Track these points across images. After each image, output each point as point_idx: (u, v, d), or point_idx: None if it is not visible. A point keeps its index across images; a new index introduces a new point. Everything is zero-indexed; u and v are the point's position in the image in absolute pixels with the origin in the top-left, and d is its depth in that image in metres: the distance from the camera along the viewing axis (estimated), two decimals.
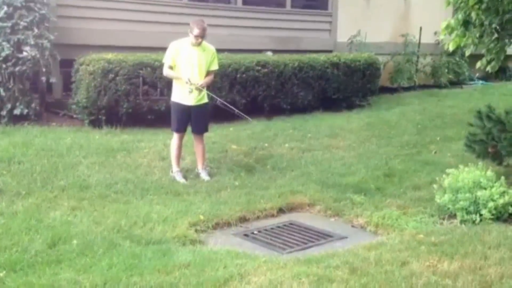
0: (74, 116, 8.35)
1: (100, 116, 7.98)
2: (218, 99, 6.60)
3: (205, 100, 6.48)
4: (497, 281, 3.91)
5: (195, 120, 6.46)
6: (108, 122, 7.97)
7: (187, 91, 6.28)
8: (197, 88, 6.27)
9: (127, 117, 8.11)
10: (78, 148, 6.86)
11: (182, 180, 6.26)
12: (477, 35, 5.91)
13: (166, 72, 6.47)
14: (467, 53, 6.10)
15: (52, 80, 8.32)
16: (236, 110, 6.62)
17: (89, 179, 6.03)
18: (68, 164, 6.35)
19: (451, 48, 6.01)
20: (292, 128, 8.65)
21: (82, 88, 7.95)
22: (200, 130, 6.54)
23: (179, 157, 6.48)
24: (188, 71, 6.28)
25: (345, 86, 10.32)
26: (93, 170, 6.27)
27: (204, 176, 6.43)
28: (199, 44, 6.29)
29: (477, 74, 14.08)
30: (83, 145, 7.00)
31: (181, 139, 6.48)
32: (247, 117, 6.65)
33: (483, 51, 6.22)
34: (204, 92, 6.42)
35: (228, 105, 6.55)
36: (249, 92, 9.08)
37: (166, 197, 5.76)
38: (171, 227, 4.94)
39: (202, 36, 6.24)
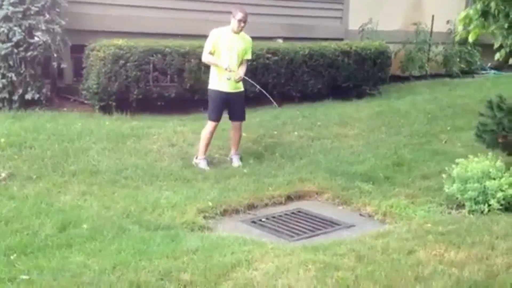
0: (85, 101, 8.39)
1: (110, 102, 8.01)
2: (256, 85, 6.70)
3: (242, 88, 6.61)
4: (504, 271, 3.92)
5: (234, 107, 6.57)
6: (118, 108, 8.00)
7: (225, 78, 6.36)
8: (239, 80, 6.39)
9: (137, 103, 8.14)
10: (89, 134, 6.90)
11: (207, 168, 6.32)
12: (506, 25, 5.81)
13: (206, 58, 6.55)
14: (496, 45, 6.01)
15: (63, 65, 8.34)
16: (270, 97, 6.84)
17: (99, 164, 6.08)
18: (78, 149, 6.40)
19: (470, 40, 5.92)
20: (301, 116, 8.64)
21: (93, 74, 7.98)
22: (239, 118, 6.64)
23: (209, 145, 6.54)
24: (227, 58, 6.38)
25: (355, 74, 10.26)
26: (103, 156, 6.32)
27: (236, 161, 6.51)
28: (241, 30, 6.42)
29: (489, 64, 13.95)
30: (94, 130, 7.04)
31: (215, 127, 6.54)
32: (275, 103, 6.90)
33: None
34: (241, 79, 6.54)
35: (264, 91, 6.74)
36: (259, 80, 9.01)
37: (175, 183, 5.80)
38: (180, 213, 4.99)
39: (245, 20, 6.39)
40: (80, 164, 6.00)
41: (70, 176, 5.68)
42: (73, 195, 5.23)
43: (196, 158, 6.45)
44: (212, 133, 6.52)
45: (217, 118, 6.53)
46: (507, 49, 6.01)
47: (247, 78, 6.61)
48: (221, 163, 6.54)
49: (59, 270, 3.77)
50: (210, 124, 6.51)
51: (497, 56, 6.08)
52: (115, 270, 3.79)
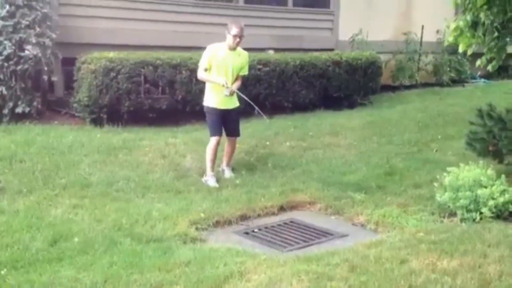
0: (76, 114, 8.38)
1: (101, 115, 8.00)
2: (248, 99, 6.58)
3: (238, 103, 6.52)
4: (496, 279, 3.92)
5: (231, 123, 6.49)
6: (110, 120, 7.99)
7: (222, 96, 6.25)
8: (232, 93, 6.28)
9: (129, 115, 8.13)
10: (80, 147, 6.88)
11: (216, 185, 6.13)
12: (480, 33, 5.89)
13: (201, 75, 6.40)
14: (469, 52, 6.08)
15: (54, 78, 8.34)
16: (262, 112, 6.75)
17: (91, 177, 6.05)
18: (69, 162, 6.37)
19: (461, 50, 6.00)
20: (293, 126, 8.66)
21: (84, 87, 7.97)
22: (236, 133, 6.59)
23: (214, 161, 6.38)
24: (222, 75, 6.25)
25: (346, 84, 10.32)
26: (95, 168, 6.29)
27: (228, 173, 6.48)
28: (237, 45, 6.26)
29: (479, 73, 14.06)
30: (85, 143, 7.02)
31: (219, 142, 6.38)
32: (264, 116, 6.81)
33: (485, 49, 6.21)
34: (235, 95, 6.45)
35: (255, 106, 6.64)
36: (251, 91, 9.06)
37: (167, 195, 5.78)
38: (172, 225, 4.96)
39: (240, 35, 6.18)
40: (71, 177, 5.97)
41: (61, 190, 5.65)
42: (64, 209, 5.20)
43: (205, 176, 6.29)
44: (216, 148, 6.34)
45: (219, 133, 6.38)
46: (487, 56, 6.09)
47: (238, 93, 6.49)
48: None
49: (50, 284, 3.74)
50: (213, 141, 6.34)
51: (478, 62, 6.14)
52: (106, 283, 3.77)
